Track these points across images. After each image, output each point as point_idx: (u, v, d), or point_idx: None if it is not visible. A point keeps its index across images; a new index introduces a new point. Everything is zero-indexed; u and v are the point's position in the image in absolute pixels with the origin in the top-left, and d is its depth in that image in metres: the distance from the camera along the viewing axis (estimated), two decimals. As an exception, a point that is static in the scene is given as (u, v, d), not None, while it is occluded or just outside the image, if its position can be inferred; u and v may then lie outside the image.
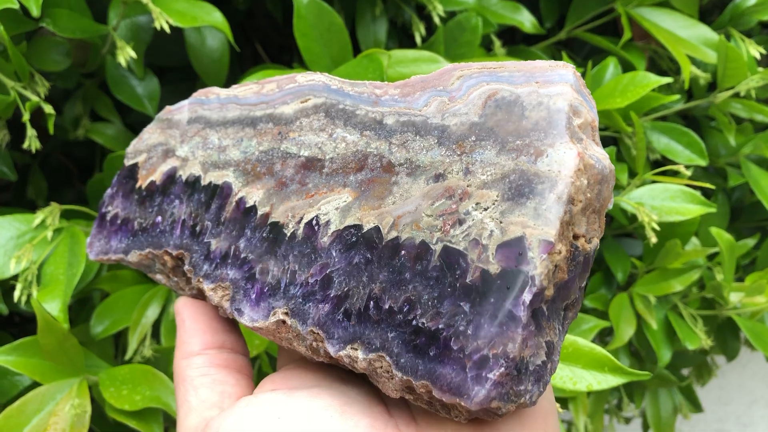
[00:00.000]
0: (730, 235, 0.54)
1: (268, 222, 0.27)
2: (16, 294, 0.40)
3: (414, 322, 0.22)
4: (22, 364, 0.39)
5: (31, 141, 0.42)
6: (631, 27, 0.57)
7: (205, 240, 0.29)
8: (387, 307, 0.23)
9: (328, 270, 0.25)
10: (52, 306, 0.39)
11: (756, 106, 0.56)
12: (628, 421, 0.78)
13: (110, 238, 0.33)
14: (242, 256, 0.27)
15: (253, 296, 0.26)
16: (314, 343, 0.25)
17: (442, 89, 0.25)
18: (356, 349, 0.23)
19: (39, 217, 0.43)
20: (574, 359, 0.38)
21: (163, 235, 0.30)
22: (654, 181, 0.51)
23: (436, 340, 0.22)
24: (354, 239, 0.25)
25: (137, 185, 0.33)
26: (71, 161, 0.61)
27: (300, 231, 0.26)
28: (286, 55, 0.66)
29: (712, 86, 0.62)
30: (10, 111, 0.42)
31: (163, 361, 0.44)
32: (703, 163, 0.55)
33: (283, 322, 0.25)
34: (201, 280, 0.28)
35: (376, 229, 0.24)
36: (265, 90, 0.30)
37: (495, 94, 0.24)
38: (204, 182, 0.30)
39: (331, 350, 0.24)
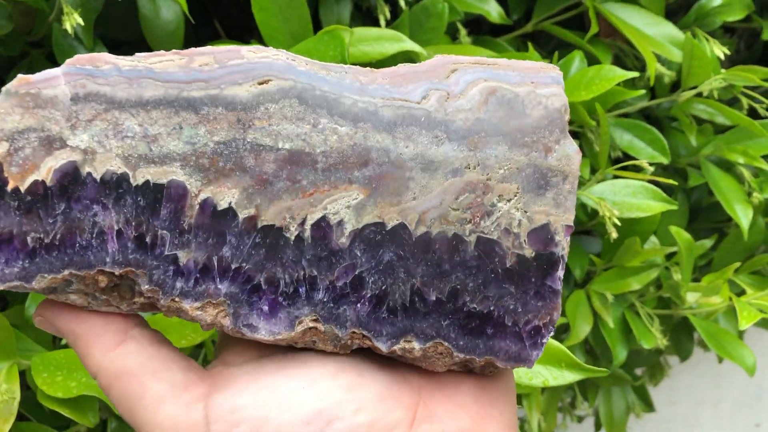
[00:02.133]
0: (689, 235, 0.54)
1: (259, 226, 0.24)
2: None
3: (465, 308, 0.25)
4: (-53, 346, 0.36)
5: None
6: (599, 23, 0.56)
7: (166, 253, 0.24)
8: (434, 298, 0.25)
9: (357, 271, 0.25)
10: (-19, 284, 0.36)
11: (718, 107, 0.56)
12: (580, 419, 0.79)
13: None
14: (233, 266, 0.24)
15: (266, 308, 0.25)
16: (350, 341, 0.25)
17: (438, 82, 0.26)
18: (410, 341, 0.25)
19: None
20: (531, 354, 0.37)
21: (88, 252, 0.24)
22: (616, 177, 0.51)
23: (490, 320, 0.25)
24: (379, 237, 0.25)
25: (8, 187, 0.24)
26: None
27: (307, 234, 0.24)
28: (248, 35, 0.64)
29: (675, 87, 0.62)
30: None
31: (103, 347, 0.42)
32: (665, 160, 0.55)
33: (314, 328, 0.25)
34: (177, 299, 0.25)
35: (402, 225, 0.25)
36: (196, 64, 0.25)
37: (495, 91, 0.26)
38: (136, 181, 0.24)
39: (383, 347, 0.25)
